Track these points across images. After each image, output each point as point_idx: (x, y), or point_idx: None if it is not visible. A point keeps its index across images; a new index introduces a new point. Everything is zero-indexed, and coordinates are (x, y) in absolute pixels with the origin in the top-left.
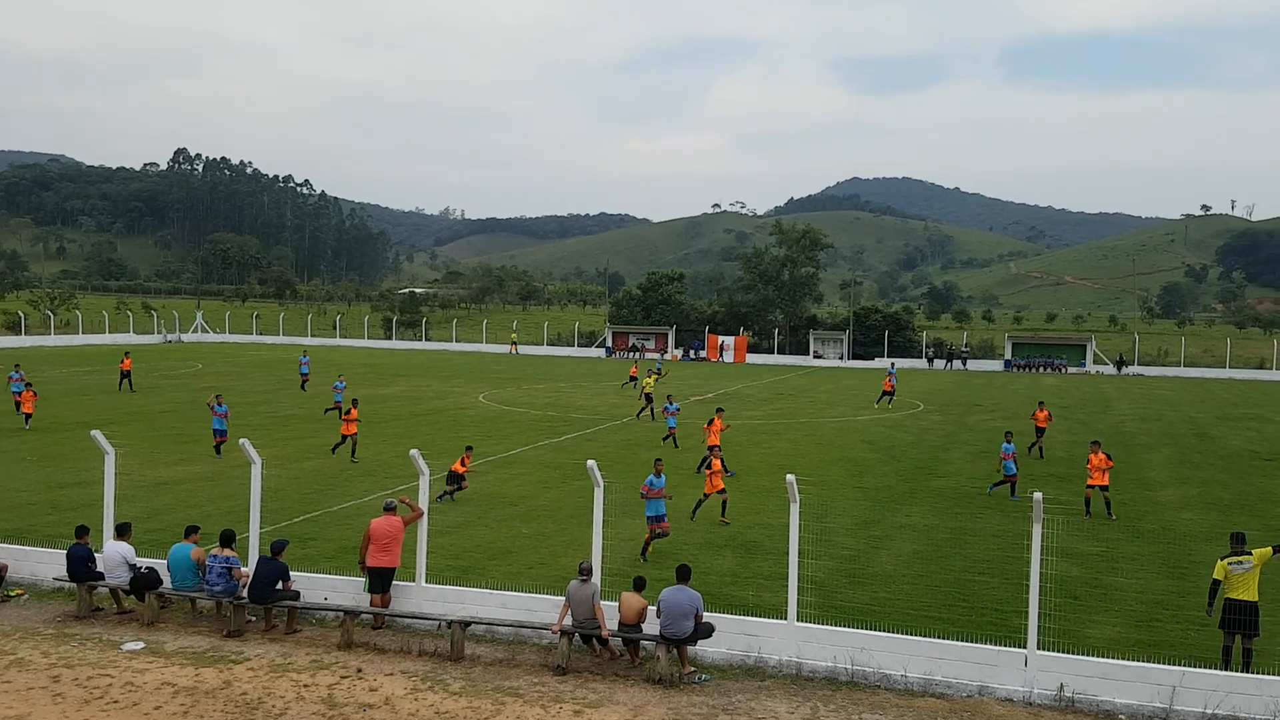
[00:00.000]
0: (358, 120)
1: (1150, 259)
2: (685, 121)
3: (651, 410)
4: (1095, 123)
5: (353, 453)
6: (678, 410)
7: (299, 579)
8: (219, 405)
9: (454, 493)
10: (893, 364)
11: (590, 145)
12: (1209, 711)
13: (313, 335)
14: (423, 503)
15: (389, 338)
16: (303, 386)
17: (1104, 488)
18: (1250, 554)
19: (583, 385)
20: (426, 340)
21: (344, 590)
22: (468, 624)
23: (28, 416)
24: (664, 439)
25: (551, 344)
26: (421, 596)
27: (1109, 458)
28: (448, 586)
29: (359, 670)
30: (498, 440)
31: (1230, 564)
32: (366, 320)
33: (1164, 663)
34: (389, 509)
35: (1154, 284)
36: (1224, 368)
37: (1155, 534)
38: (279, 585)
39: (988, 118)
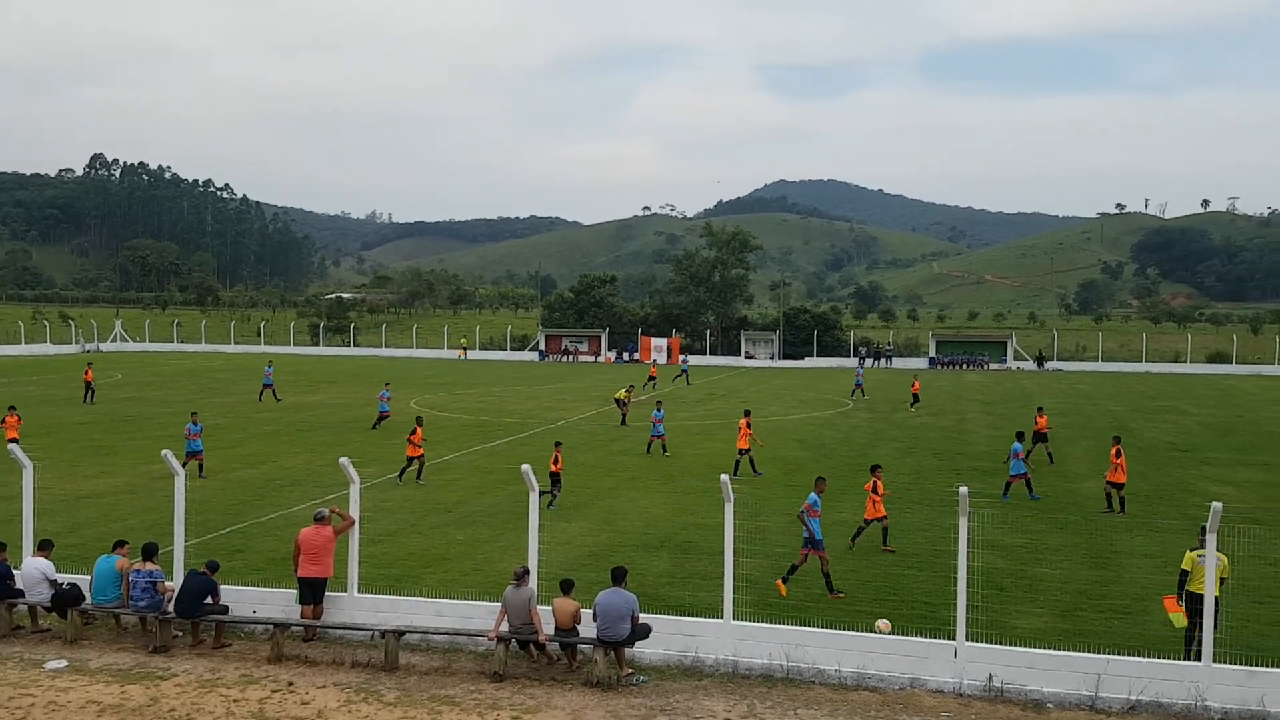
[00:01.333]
0: (280, 124)
1: (1067, 257)
2: (614, 126)
3: (624, 418)
4: (1013, 125)
5: (419, 474)
6: (663, 417)
7: (227, 592)
8: (194, 424)
9: (556, 495)
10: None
11: (520, 149)
12: (1133, 698)
13: (236, 343)
14: (354, 511)
15: (316, 344)
16: (260, 397)
17: (1119, 485)
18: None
19: (516, 389)
20: (355, 346)
21: (273, 602)
22: (402, 633)
23: None
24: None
25: (484, 348)
26: (354, 607)
27: (1119, 454)
28: (381, 596)
29: (290, 684)
30: (430, 446)
31: (1197, 555)
32: (292, 326)
33: (1088, 651)
34: (319, 519)
35: (1071, 281)
36: (1140, 362)
37: (1077, 525)
38: (206, 599)
39: (909, 121)
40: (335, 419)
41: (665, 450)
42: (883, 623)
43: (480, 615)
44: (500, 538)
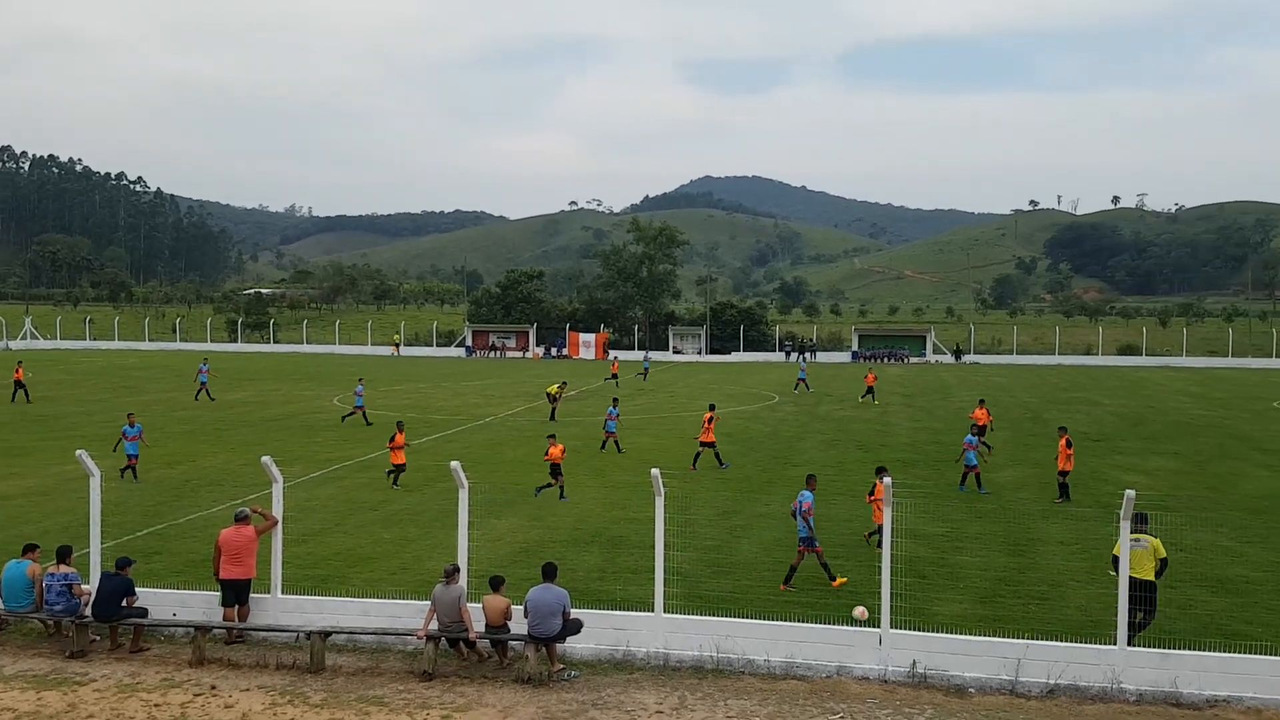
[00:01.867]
0: (196, 116)
1: (983, 253)
2: (539, 120)
3: (554, 413)
4: (930, 123)
5: (395, 479)
6: (617, 415)
7: (145, 595)
8: (131, 426)
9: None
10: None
11: (443, 142)
12: (1051, 681)
13: (151, 339)
14: (276, 511)
15: (234, 340)
16: (196, 396)
17: (1065, 473)
18: (1149, 535)
19: (443, 386)
20: (275, 343)
21: (194, 605)
22: (328, 634)
23: None
24: (602, 445)
25: (409, 344)
26: (278, 608)
27: (1069, 444)
28: (305, 597)
29: (213, 687)
30: (354, 444)
31: (1130, 540)
32: (209, 323)
33: (1008, 636)
34: (240, 519)
35: (987, 276)
36: (1053, 354)
37: (995, 514)
38: (124, 602)
39: (830, 118)
40: (255, 417)
41: (619, 448)
42: (859, 610)
43: (409, 614)
44: (428, 535)
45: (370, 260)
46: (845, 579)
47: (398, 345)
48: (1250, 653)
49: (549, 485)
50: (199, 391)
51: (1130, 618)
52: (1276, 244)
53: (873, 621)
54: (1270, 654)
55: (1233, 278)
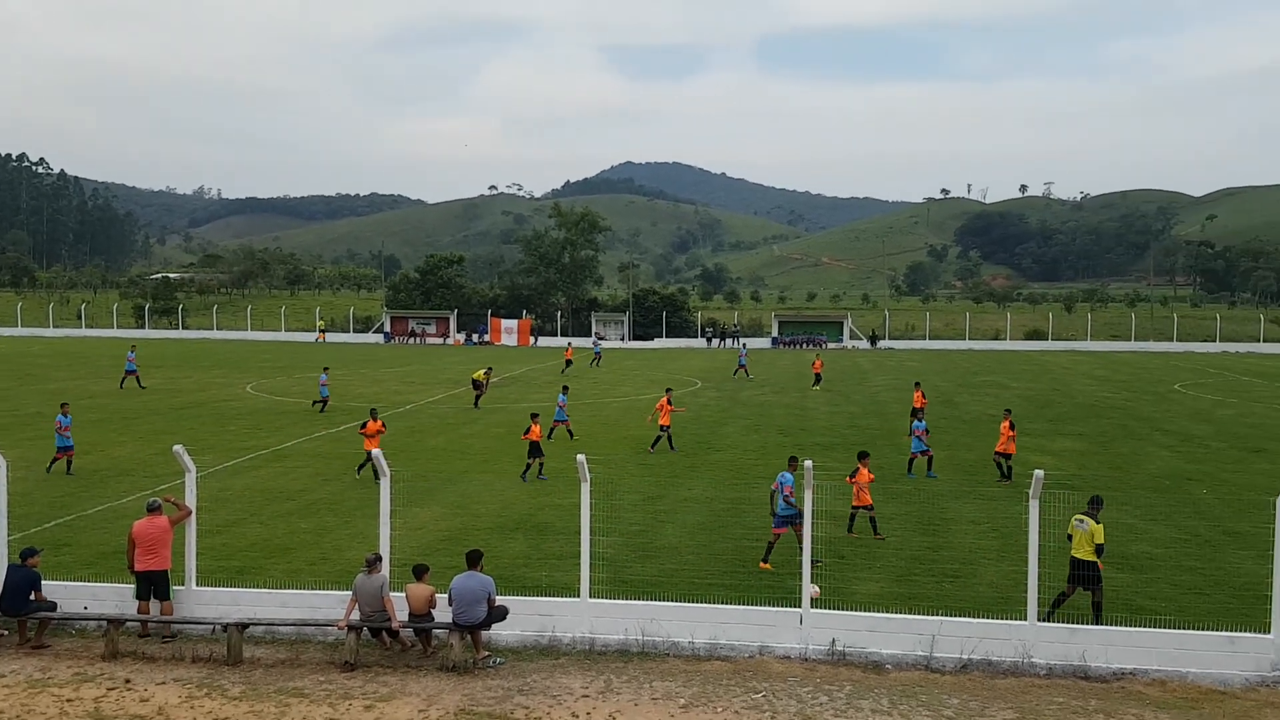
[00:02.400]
0: (100, 96)
1: (897, 240)
2: (456, 103)
3: (478, 399)
4: (845, 111)
5: (360, 467)
6: (566, 402)
7: (54, 588)
8: (64, 416)
9: (541, 464)
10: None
11: (358, 124)
12: (965, 657)
13: (56, 326)
14: (190, 501)
15: (142, 326)
16: (121, 384)
17: (1008, 455)
18: (1094, 520)
19: (360, 373)
20: (184, 329)
21: (105, 598)
22: (245, 626)
23: None
24: (539, 456)
25: (325, 330)
26: (193, 600)
27: (1012, 426)
28: (221, 589)
29: (127, 681)
30: (269, 433)
31: (1075, 520)
32: (116, 308)
33: (923, 614)
34: (152, 509)
35: (901, 264)
36: (964, 340)
37: (910, 495)
38: (32, 595)
39: (749, 106)
40: (165, 405)
41: (571, 434)
42: (812, 589)
43: (329, 605)
44: (348, 525)
45: (283, 244)
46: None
47: (323, 331)
48: (1154, 627)
49: (529, 466)
50: (124, 379)
51: (1069, 590)
52: (1177, 231)
53: (793, 602)
54: (1173, 628)
55: (1135, 264)
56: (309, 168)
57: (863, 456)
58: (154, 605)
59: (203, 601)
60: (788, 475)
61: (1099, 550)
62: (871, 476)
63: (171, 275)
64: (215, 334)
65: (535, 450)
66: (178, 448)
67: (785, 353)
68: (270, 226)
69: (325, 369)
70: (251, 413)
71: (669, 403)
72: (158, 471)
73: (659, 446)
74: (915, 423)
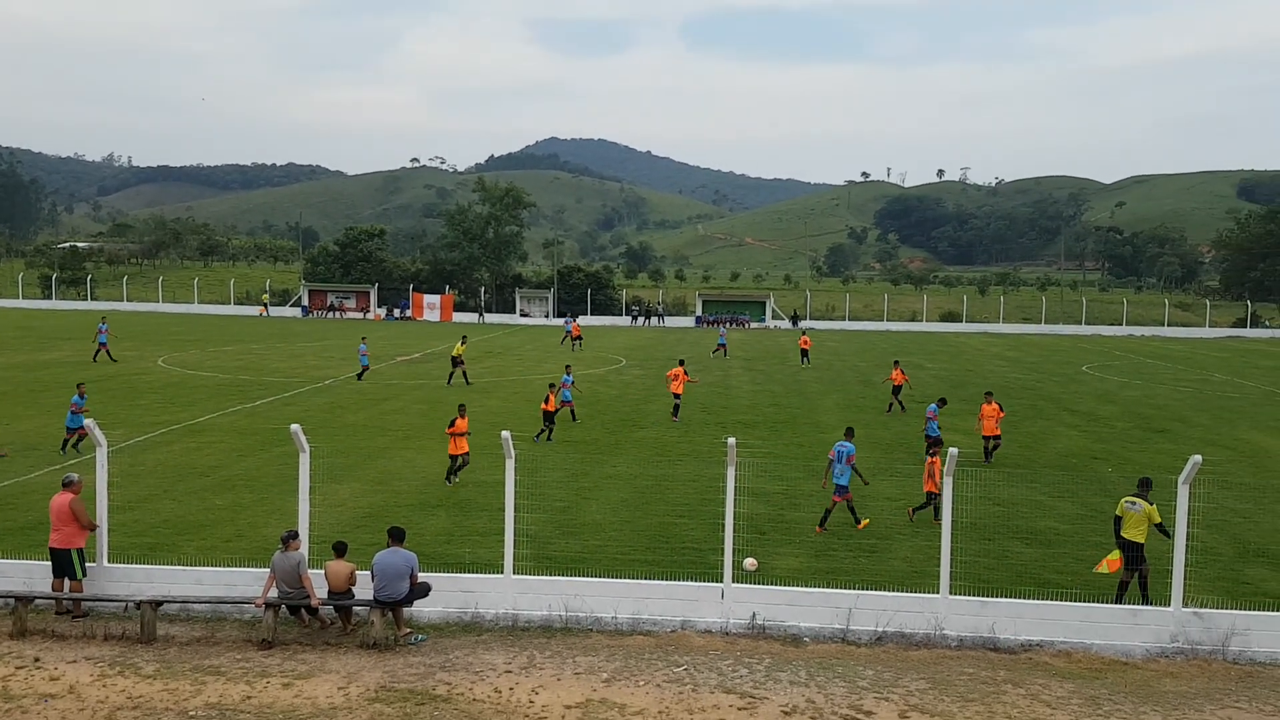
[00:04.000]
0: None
1: (818, 222)
2: (377, 72)
3: (451, 376)
4: (771, 93)
5: (454, 472)
6: (572, 382)
7: None
8: (80, 397)
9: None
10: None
11: (275, 92)
12: (879, 629)
13: None
14: (100, 477)
15: (48, 297)
16: (94, 357)
17: (995, 437)
18: (1146, 501)
19: (277, 347)
20: (92, 300)
21: (12, 575)
22: (159, 603)
23: None
24: (551, 424)
25: (239, 303)
26: (104, 577)
27: (1000, 408)
28: (134, 565)
29: (36, 659)
30: (182, 407)
31: (1126, 503)
32: (20, 278)
33: (840, 588)
34: (67, 484)
35: (822, 245)
36: (882, 321)
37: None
38: None
39: (674, 84)
40: (73, 379)
41: (574, 417)
42: (749, 562)
43: (245, 582)
44: (264, 502)
45: (196, 214)
46: (869, 520)
47: (266, 305)
48: (1060, 599)
49: (543, 431)
50: (97, 352)
51: (1127, 577)
52: (1087, 218)
53: (715, 577)
54: (1078, 601)
55: (1046, 249)
56: (224, 136)
57: (935, 445)
58: (67, 583)
59: (115, 579)
60: (848, 444)
61: (1160, 528)
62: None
63: (80, 245)
64: (125, 305)
65: (549, 418)
66: (88, 422)
67: (709, 332)
68: (183, 195)
69: (364, 338)
70: (164, 386)
71: (684, 373)
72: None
73: (680, 414)
74: (932, 405)
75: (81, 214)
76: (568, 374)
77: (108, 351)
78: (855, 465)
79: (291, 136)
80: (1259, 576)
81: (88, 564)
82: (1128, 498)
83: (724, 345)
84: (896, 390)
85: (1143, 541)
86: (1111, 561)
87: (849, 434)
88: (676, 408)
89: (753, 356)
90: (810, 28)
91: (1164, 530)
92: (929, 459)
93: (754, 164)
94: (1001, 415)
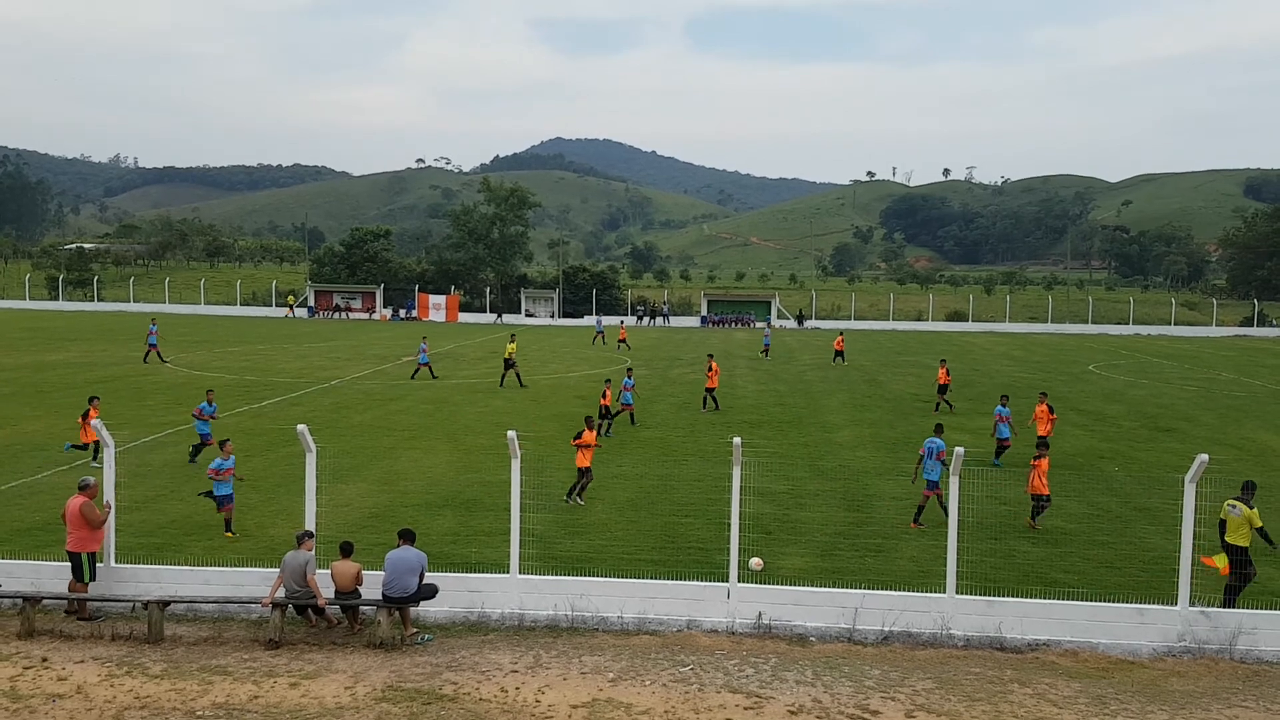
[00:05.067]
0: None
1: (824, 221)
2: (382, 73)
3: (505, 377)
4: (775, 92)
5: (579, 490)
6: (633, 385)
7: None
8: (208, 404)
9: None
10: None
11: (282, 93)
12: (886, 629)
13: None
14: (108, 477)
15: (55, 298)
16: (145, 358)
17: (1046, 438)
18: (1246, 504)
19: (284, 348)
20: (99, 301)
21: (20, 575)
22: (166, 603)
23: None
24: (609, 418)
25: (245, 304)
26: (112, 578)
27: (1051, 410)
28: (142, 565)
29: (44, 659)
30: (188, 408)
31: (1228, 506)
32: (28, 279)
33: (846, 587)
34: (82, 488)
35: (827, 245)
36: (887, 320)
37: (835, 471)
38: None
39: (679, 84)
40: (80, 379)
41: (633, 420)
42: (755, 561)
43: (252, 582)
44: (271, 502)
45: (202, 215)
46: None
47: (291, 307)
48: (1067, 599)
49: (606, 426)
50: (147, 353)
51: (1231, 581)
52: (1094, 216)
53: (721, 576)
54: (1085, 600)
55: (1053, 248)
56: (230, 137)
57: (1042, 445)
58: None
59: (122, 579)
60: (938, 440)
61: (1262, 532)
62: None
63: (86, 246)
64: (132, 306)
65: (606, 413)
66: (95, 422)
67: (714, 332)
68: (189, 197)
69: (424, 338)
70: (170, 387)
71: (715, 367)
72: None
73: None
74: (1000, 408)
75: (88, 215)
76: (629, 376)
77: (158, 353)
78: (945, 460)
79: (297, 137)
80: (1266, 576)
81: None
82: (1229, 501)
83: (768, 345)
84: (943, 389)
85: (1246, 545)
86: (1218, 564)
87: (938, 430)
88: (705, 399)
89: (757, 356)
90: (814, 27)
91: (1265, 535)
92: (1035, 461)
93: (759, 163)
94: (1054, 418)
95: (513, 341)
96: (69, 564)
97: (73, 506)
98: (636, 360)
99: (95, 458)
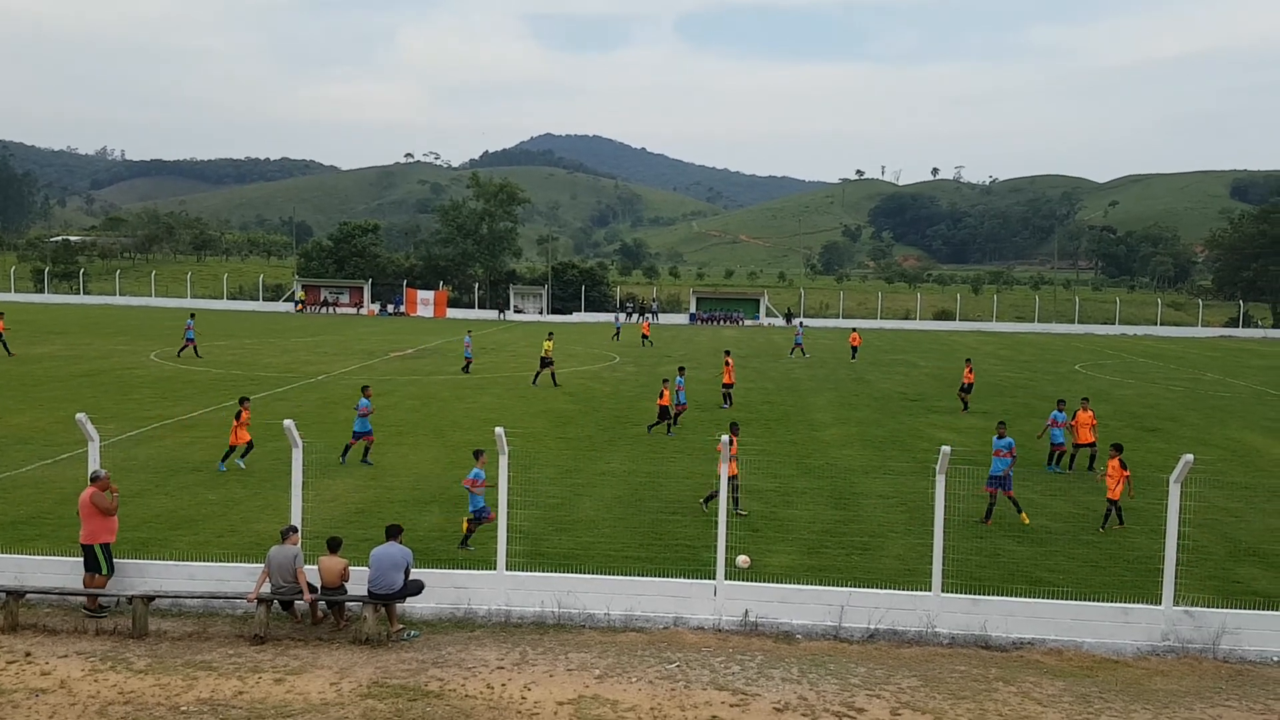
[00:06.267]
0: None
1: (812, 220)
2: (372, 68)
3: (540, 375)
4: (765, 90)
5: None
6: (684, 384)
7: None
8: (365, 399)
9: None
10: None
11: (270, 87)
12: (872, 626)
13: None
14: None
15: (41, 291)
16: (179, 353)
17: (1091, 444)
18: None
19: (270, 342)
20: (85, 294)
21: (3, 569)
22: (151, 598)
23: None
24: (671, 419)
25: (232, 298)
26: None
27: (1094, 416)
28: (126, 560)
29: (27, 654)
30: (175, 402)
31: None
32: (13, 272)
33: (832, 585)
34: (94, 479)
35: (816, 243)
36: (875, 319)
37: (822, 469)
38: None
39: (669, 82)
40: (66, 372)
41: (676, 420)
42: (742, 559)
43: (237, 577)
44: (257, 497)
45: (189, 208)
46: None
47: (302, 303)
48: (1052, 598)
49: (658, 423)
50: (183, 348)
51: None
52: (1081, 216)
53: (708, 574)
54: (1069, 599)
55: (1040, 248)
56: (218, 130)
57: (1115, 449)
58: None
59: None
60: (1008, 439)
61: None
62: (1126, 471)
63: (72, 238)
64: (118, 299)
65: (665, 413)
66: (80, 416)
67: (703, 329)
68: (176, 190)
69: (469, 331)
70: (156, 381)
71: (731, 363)
72: (58, 440)
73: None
74: (1055, 413)
75: (74, 207)
76: (680, 375)
77: (194, 348)
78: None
79: (285, 131)
80: (1250, 575)
81: (77, 560)
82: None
83: (800, 344)
84: (968, 389)
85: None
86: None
87: (1001, 427)
88: (725, 396)
89: (746, 354)
90: (805, 25)
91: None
92: (1109, 462)
93: (749, 161)
94: (1095, 423)
95: (550, 339)
96: (60, 559)
97: (84, 498)
98: (626, 358)
99: (243, 457)
